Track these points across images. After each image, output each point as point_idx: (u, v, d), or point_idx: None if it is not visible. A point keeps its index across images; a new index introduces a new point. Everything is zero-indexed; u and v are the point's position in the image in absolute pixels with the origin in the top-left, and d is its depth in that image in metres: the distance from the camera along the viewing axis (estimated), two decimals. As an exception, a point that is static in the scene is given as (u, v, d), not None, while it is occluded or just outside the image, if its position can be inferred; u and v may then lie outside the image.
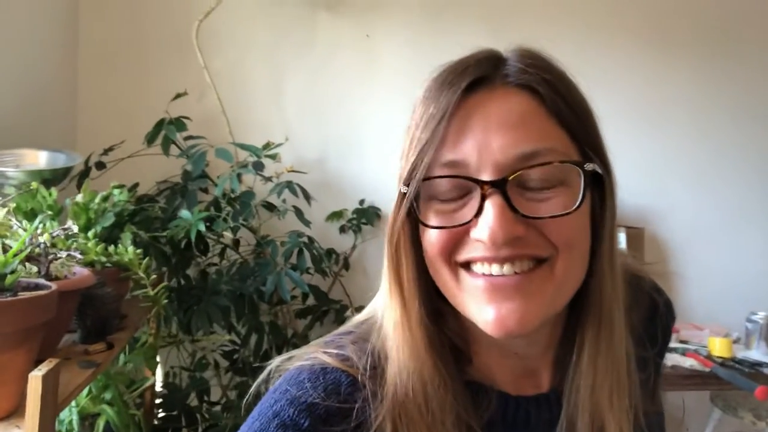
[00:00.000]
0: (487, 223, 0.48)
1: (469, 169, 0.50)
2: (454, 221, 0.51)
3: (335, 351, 0.57)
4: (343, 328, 0.63)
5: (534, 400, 0.58)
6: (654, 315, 0.67)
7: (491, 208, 0.48)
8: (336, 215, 2.40)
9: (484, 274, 0.51)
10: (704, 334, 2.15)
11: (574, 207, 0.50)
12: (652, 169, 2.64)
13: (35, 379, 0.76)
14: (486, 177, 0.49)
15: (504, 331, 0.50)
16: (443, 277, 0.53)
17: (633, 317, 0.61)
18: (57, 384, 0.81)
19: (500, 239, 0.48)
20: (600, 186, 0.54)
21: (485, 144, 0.50)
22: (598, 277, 0.54)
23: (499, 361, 0.59)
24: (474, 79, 0.51)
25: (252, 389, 0.60)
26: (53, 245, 1.08)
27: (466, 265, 0.52)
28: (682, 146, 2.67)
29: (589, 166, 0.51)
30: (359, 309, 2.22)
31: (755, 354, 1.99)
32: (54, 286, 0.88)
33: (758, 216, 2.72)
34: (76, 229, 1.04)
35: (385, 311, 0.57)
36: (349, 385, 0.54)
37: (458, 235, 0.51)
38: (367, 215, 2.35)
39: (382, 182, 2.42)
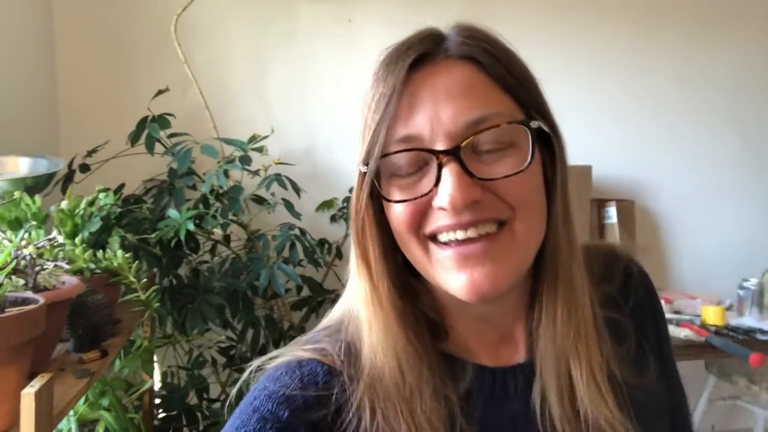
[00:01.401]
0: (446, 190, 0.50)
1: (424, 142, 0.52)
2: (415, 193, 0.53)
3: (311, 346, 0.59)
4: (319, 326, 0.65)
5: (511, 371, 0.59)
6: (628, 280, 0.68)
7: (448, 175, 0.51)
8: (326, 204, 2.39)
9: (451, 242, 0.53)
10: (697, 303, 2.17)
11: (526, 164, 0.52)
12: (640, 142, 2.64)
13: (28, 396, 0.75)
14: (440, 147, 0.52)
15: (478, 295, 0.52)
16: (413, 251, 0.55)
17: (606, 286, 0.64)
18: (51, 399, 0.81)
19: (460, 204, 0.50)
20: (550, 147, 0.57)
21: (435, 115, 0.52)
22: (553, 233, 0.57)
23: (473, 331, 0.61)
24: (417, 56, 0.54)
25: (233, 391, 0.62)
26: (40, 255, 1.07)
27: (434, 238, 0.54)
28: (669, 118, 2.67)
29: (534, 124, 0.54)
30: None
31: (748, 320, 2.02)
32: (42, 299, 0.87)
33: (746, 183, 2.73)
34: (61, 239, 1.03)
35: (354, 292, 0.59)
36: (325, 374, 0.56)
37: (422, 207, 0.53)
38: (357, 203, 2.33)
39: (371, 169, 2.40)
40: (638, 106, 2.64)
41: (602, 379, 0.56)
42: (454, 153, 0.51)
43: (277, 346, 2.08)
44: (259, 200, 2.16)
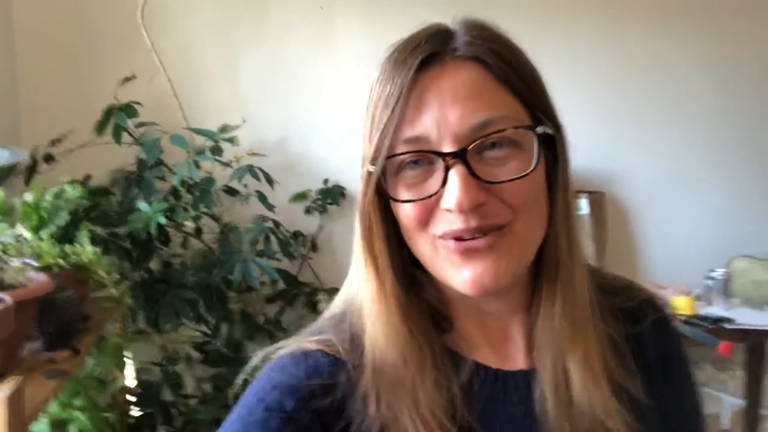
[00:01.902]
0: (453, 192, 0.51)
1: (431, 143, 0.53)
2: (422, 193, 0.54)
3: (316, 337, 0.60)
4: (323, 316, 0.65)
5: (512, 375, 0.60)
6: (641, 309, 0.67)
7: (455, 177, 0.52)
8: (300, 196, 2.35)
9: (455, 239, 0.54)
10: (667, 293, 2.22)
11: (530, 169, 0.53)
12: (610, 134, 2.67)
13: (-1, 401, 0.71)
14: (447, 149, 0.52)
15: (480, 288, 0.53)
16: (421, 247, 0.57)
17: (611, 300, 0.65)
18: (23, 403, 0.77)
19: (466, 206, 0.51)
20: (553, 147, 0.58)
21: (443, 117, 0.53)
22: (554, 232, 0.58)
23: (476, 325, 0.62)
24: (425, 56, 0.54)
25: (239, 379, 0.62)
26: (4, 251, 1.02)
27: (442, 237, 0.55)
28: (639, 110, 2.71)
29: (540, 129, 0.55)
30: (330, 291, 2.20)
31: (715, 310, 2.07)
32: (9, 299, 0.83)
33: (714, 174, 2.79)
34: (28, 235, 0.98)
35: (359, 287, 0.60)
36: (330, 365, 0.57)
37: (430, 206, 0.54)
38: (332, 195, 2.31)
39: (346, 161, 2.37)
40: (608, 98, 2.67)
41: (600, 370, 0.58)
42: (460, 156, 0.52)
43: (252, 340, 2.04)
44: (232, 192, 2.11)
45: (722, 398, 2.58)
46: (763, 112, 2.79)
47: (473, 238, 0.53)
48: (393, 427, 0.54)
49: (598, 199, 2.54)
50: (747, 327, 1.93)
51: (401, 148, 0.54)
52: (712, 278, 2.12)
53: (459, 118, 0.52)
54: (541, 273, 0.60)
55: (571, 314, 0.58)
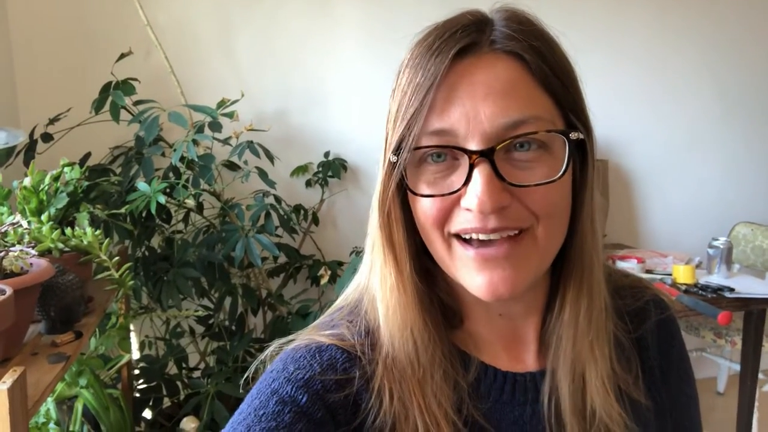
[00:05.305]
0: (476, 191, 0.49)
1: (458, 138, 0.51)
2: (443, 189, 0.52)
3: (329, 331, 0.59)
4: (335, 306, 0.65)
5: (521, 377, 0.60)
6: (646, 308, 0.67)
7: (479, 176, 0.49)
8: (301, 169, 2.35)
9: (473, 242, 0.52)
10: (668, 262, 2.22)
11: (559, 175, 0.51)
12: (613, 101, 2.64)
13: (0, 393, 0.73)
14: (474, 146, 0.50)
15: (495, 295, 0.52)
16: (436, 245, 0.55)
17: (619, 301, 0.65)
18: (25, 392, 0.79)
19: (488, 208, 0.49)
20: (582, 150, 0.56)
21: (473, 113, 0.50)
22: (579, 237, 0.56)
23: (487, 324, 0.61)
24: (462, 46, 0.51)
25: (250, 369, 0.63)
26: (4, 238, 1.03)
27: (457, 235, 0.54)
28: (642, 77, 2.67)
29: (573, 135, 0.52)
30: (332, 264, 2.19)
31: (716, 278, 2.07)
32: (9, 289, 0.84)
33: (715, 143, 2.77)
34: (26, 224, 0.99)
35: (374, 276, 0.59)
36: (345, 361, 0.57)
37: (449, 204, 0.52)
38: (333, 168, 2.30)
39: (347, 133, 2.36)
40: (612, 65, 2.63)
41: (608, 380, 0.58)
42: (487, 155, 0.50)
43: (255, 314, 2.07)
44: (232, 166, 2.11)
45: (720, 363, 2.61)
46: (769, 77, 2.75)
47: (489, 241, 0.52)
48: (404, 422, 0.54)
49: (600, 167, 2.52)
50: (747, 296, 1.93)
51: (426, 141, 0.52)
52: (713, 246, 2.12)
53: (490, 115, 0.50)
54: (566, 277, 0.58)
55: (593, 320, 0.57)
